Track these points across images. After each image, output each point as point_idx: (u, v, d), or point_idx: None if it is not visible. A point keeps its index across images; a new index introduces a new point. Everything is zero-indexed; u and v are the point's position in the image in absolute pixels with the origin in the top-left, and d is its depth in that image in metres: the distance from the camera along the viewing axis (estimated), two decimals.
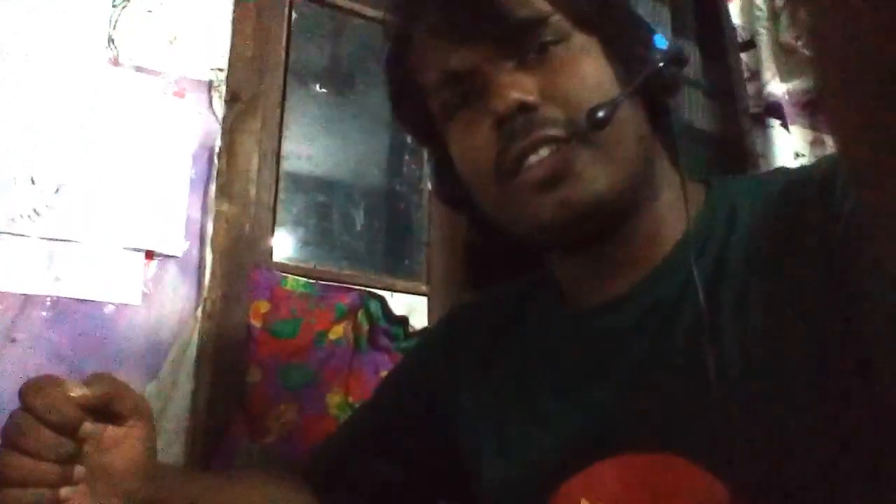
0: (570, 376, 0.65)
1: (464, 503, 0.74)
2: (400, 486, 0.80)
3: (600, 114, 0.57)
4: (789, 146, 1.62)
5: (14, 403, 0.56)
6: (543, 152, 0.58)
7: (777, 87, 1.66)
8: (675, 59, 0.62)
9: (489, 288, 0.83)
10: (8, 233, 1.03)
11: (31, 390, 0.54)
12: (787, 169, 0.65)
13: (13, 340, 1.01)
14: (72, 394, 0.55)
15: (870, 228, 0.43)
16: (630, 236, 0.63)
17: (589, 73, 0.60)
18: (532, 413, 0.67)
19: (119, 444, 0.58)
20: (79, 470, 0.56)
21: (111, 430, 0.58)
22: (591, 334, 0.65)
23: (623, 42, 0.62)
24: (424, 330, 1.36)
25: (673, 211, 0.64)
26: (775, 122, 1.63)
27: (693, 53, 1.76)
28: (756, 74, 1.69)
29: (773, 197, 0.59)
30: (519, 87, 0.59)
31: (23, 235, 1.04)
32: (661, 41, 0.62)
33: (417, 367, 0.84)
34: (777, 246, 0.56)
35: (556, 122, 0.58)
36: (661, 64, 0.61)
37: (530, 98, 0.59)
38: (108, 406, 0.57)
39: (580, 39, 0.61)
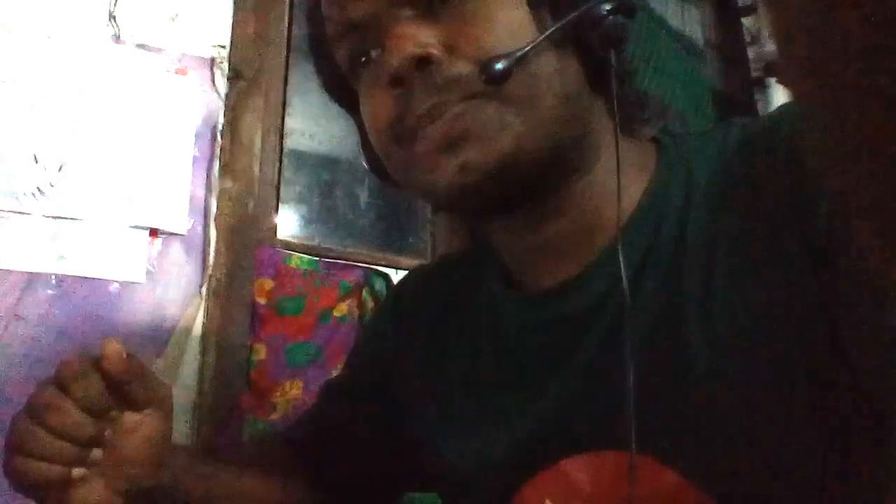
0: (522, 367, 0.60)
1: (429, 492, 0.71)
2: (368, 469, 0.76)
3: (498, 66, 0.48)
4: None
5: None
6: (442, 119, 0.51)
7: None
8: (621, 7, 0.52)
9: (442, 257, 0.77)
10: (12, 211, 1.04)
11: (69, 370, 0.54)
12: (739, 122, 0.56)
13: (19, 318, 1.01)
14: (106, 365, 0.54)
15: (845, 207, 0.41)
16: (568, 208, 0.56)
17: (503, 21, 0.51)
18: (485, 406, 0.62)
19: (134, 431, 0.57)
20: (95, 454, 0.56)
21: (129, 416, 0.57)
22: (542, 322, 0.59)
23: None
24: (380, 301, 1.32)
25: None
26: (772, 80, 1.63)
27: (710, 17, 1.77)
28: (757, 38, 1.69)
29: (727, 156, 0.53)
30: (416, 39, 0.51)
31: (26, 214, 1.04)
32: None
33: (370, 344, 0.80)
34: (740, 214, 0.51)
35: (458, 82, 0.50)
36: (604, 12, 0.51)
37: (428, 51, 0.50)
38: (128, 390, 0.56)
39: None
